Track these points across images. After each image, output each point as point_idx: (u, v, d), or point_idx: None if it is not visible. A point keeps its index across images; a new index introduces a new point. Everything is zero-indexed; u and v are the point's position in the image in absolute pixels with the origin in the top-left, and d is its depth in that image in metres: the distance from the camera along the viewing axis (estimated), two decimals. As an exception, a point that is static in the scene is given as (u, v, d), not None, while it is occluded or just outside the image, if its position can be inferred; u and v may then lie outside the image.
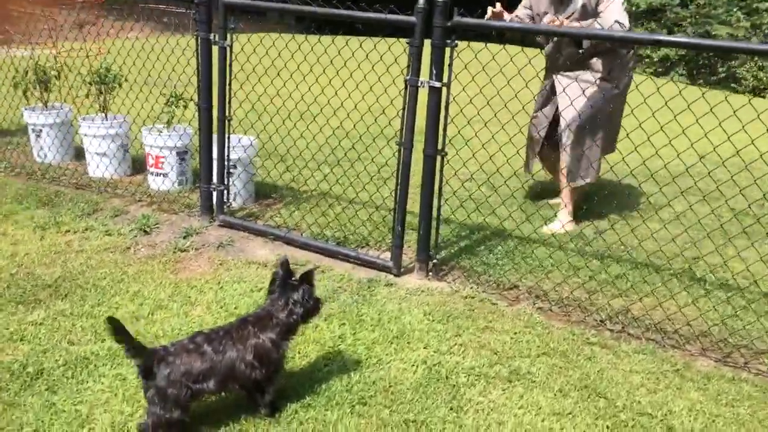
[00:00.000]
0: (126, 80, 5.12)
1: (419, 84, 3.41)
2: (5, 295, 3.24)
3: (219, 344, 2.32)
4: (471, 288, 3.62)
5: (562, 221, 4.46)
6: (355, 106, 4.18)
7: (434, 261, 3.76)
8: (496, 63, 3.47)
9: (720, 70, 22.72)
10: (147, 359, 2.22)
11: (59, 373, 2.66)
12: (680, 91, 3.12)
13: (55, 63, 5.43)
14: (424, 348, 3.01)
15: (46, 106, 5.45)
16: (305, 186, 5.10)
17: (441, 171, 3.59)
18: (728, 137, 3.10)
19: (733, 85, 20.93)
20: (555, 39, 4.24)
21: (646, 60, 23.42)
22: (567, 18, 4.08)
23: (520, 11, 4.41)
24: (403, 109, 3.51)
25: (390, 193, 3.98)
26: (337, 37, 3.95)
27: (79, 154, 5.45)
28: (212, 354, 2.30)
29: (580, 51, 4.13)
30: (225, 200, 4.36)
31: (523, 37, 4.14)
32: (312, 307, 2.50)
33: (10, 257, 3.66)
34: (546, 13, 4.22)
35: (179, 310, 3.21)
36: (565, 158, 4.31)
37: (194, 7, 3.96)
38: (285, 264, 2.49)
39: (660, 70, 22.71)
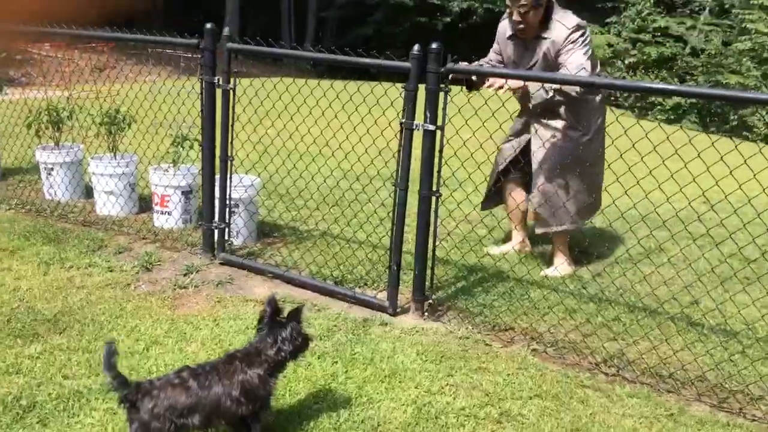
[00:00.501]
0: (135, 121, 5.26)
1: (414, 127, 3.49)
2: (5, 329, 3.29)
3: (205, 379, 2.35)
4: (466, 329, 3.63)
5: (558, 269, 4.42)
6: (353, 148, 4.26)
7: (430, 301, 3.78)
8: (488, 107, 3.56)
9: (732, 118, 22.86)
10: (130, 392, 2.25)
11: (51, 407, 2.69)
12: (668, 136, 3.17)
13: (68, 104, 5.59)
14: (416, 387, 3.01)
15: (58, 145, 5.60)
16: (305, 225, 5.16)
17: (436, 211, 3.64)
18: (716, 182, 3.14)
19: (745, 133, 20.99)
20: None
21: (658, 107, 23.63)
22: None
23: (491, 56, 4.46)
24: (399, 150, 3.59)
25: (387, 232, 4.03)
26: (335, 82, 4.07)
27: (89, 192, 5.56)
28: (197, 389, 2.31)
29: (530, 105, 4.15)
30: (226, 238, 4.42)
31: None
32: (300, 345, 2.53)
33: (12, 291, 3.72)
34: (514, 62, 4.28)
35: (174, 346, 3.24)
36: (535, 204, 4.28)
37: (200, 52, 4.10)
38: (273, 302, 2.53)
39: (672, 117, 22.89)
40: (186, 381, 2.32)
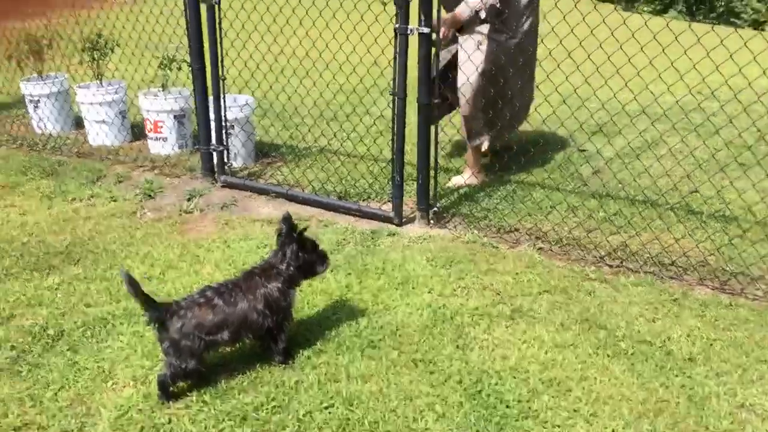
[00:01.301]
0: (118, 45, 5.12)
1: (408, 32, 3.42)
2: (19, 263, 3.33)
3: (229, 296, 2.42)
4: (472, 233, 3.70)
5: (464, 177, 4.38)
6: (347, 59, 4.19)
7: (435, 209, 3.83)
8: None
9: (718, 5, 22.35)
10: (159, 313, 2.32)
11: (79, 334, 2.76)
12: (662, 25, 3.14)
13: (47, 32, 5.41)
14: (429, 292, 3.11)
15: (42, 76, 5.46)
16: (303, 142, 5.14)
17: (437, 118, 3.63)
18: (716, 67, 3.14)
19: (732, 20, 20.59)
20: None
21: (644, -1, 23.05)
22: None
23: None
24: (394, 58, 3.53)
25: (387, 144, 4.02)
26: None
27: (79, 122, 5.48)
28: (224, 306, 2.40)
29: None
30: (225, 161, 4.41)
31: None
32: (314, 260, 2.60)
33: (20, 227, 3.74)
34: None
35: (189, 269, 3.30)
36: (462, 117, 4.20)
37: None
38: (288, 219, 2.56)
39: (659, 8, 22.35)
40: (211, 299, 2.39)
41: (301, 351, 2.64)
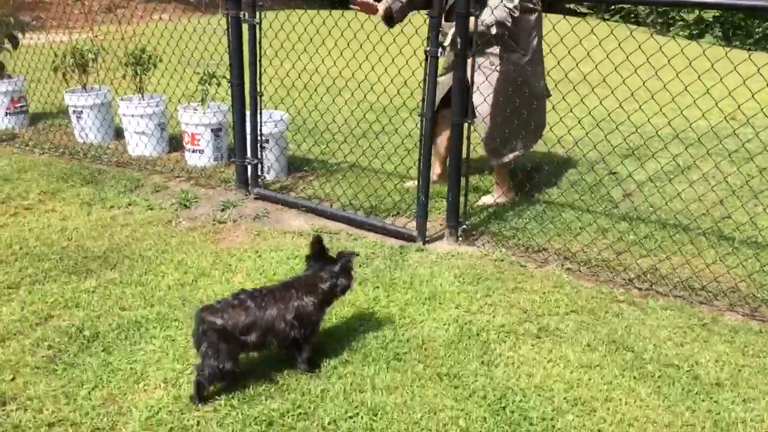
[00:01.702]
0: (161, 60, 5.28)
1: (439, 54, 3.48)
2: (59, 266, 3.44)
3: (261, 301, 2.50)
4: (500, 251, 3.72)
5: (494, 196, 4.41)
6: (378, 79, 4.26)
7: (464, 227, 3.86)
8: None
9: (755, 31, 22.12)
10: (198, 313, 2.41)
11: (113, 336, 2.84)
12: (688, 52, 3.15)
13: (92, 46, 5.60)
14: (456, 308, 3.13)
15: (86, 88, 5.65)
16: (334, 158, 5.22)
17: (468, 138, 3.67)
18: (752, 95, 3.13)
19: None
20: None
21: (680, 23, 22.91)
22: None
23: None
24: (424, 80, 3.59)
25: (414, 163, 4.07)
26: (359, 12, 4.03)
27: (119, 133, 5.64)
28: (255, 309, 2.47)
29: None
30: (259, 174, 4.50)
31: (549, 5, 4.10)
32: (348, 283, 2.69)
33: (60, 231, 3.86)
34: None
35: (221, 277, 3.37)
36: (482, 138, 4.20)
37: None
38: (319, 240, 2.68)
39: (695, 32, 22.20)
40: (244, 302, 2.48)
41: (327, 361, 2.68)
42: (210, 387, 2.45)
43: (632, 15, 22.22)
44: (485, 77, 3.94)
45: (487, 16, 3.79)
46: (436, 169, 4.66)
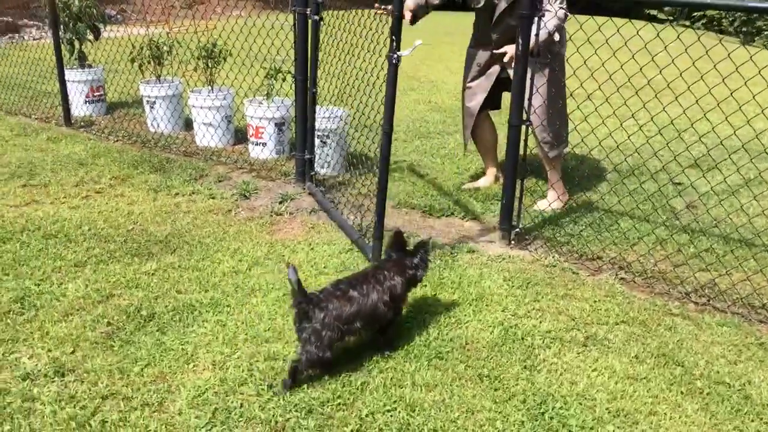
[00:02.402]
0: (230, 55, 5.44)
1: (393, 60, 3.29)
2: (123, 248, 3.61)
3: (362, 288, 2.64)
4: (553, 257, 3.68)
5: (549, 201, 4.36)
6: (444, 80, 4.27)
7: (517, 230, 3.83)
8: (584, 32, 3.48)
9: None
10: (306, 303, 2.52)
11: (168, 317, 2.97)
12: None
13: (168, 39, 5.83)
14: (502, 311, 3.12)
15: (159, 80, 5.88)
16: (393, 156, 5.25)
17: (525, 141, 3.64)
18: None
19: None
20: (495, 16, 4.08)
21: (766, 33, 21.94)
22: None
23: None
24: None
25: (472, 162, 4.07)
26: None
27: (188, 124, 5.85)
28: (359, 297, 2.61)
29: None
30: (309, 170, 4.58)
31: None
32: (425, 271, 2.90)
33: (127, 215, 4.04)
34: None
35: (274, 267, 3.46)
36: (538, 138, 4.19)
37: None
38: (399, 234, 2.90)
39: (781, 42, 21.26)
40: (347, 292, 2.61)
41: (370, 356, 2.72)
42: (305, 373, 2.54)
43: (714, 23, 21.42)
44: (545, 78, 3.93)
45: (549, 22, 3.76)
46: (491, 170, 4.66)
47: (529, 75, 3.81)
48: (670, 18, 20.54)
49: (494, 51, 4.07)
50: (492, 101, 4.46)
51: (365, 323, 2.63)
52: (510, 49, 3.89)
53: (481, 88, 4.33)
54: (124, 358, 2.67)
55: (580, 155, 4.75)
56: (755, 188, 4.50)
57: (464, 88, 4.39)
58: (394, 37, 3.17)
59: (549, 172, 4.37)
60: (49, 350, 2.69)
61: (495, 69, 4.31)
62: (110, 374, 2.56)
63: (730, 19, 20.72)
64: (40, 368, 2.57)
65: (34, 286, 3.18)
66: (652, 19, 19.64)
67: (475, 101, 4.41)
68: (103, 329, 2.86)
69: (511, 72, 3.80)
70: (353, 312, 2.58)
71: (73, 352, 2.69)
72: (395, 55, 3.16)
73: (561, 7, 3.87)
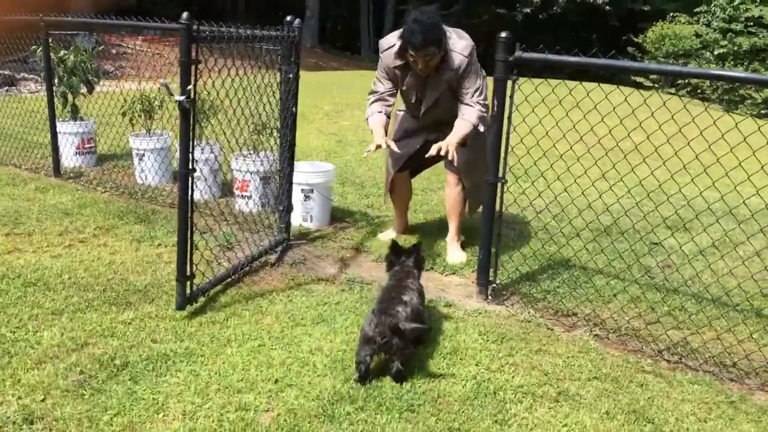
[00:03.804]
0: (219, 111, 5.56)
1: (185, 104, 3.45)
2: (101, 297, 3.62)
3: (404, 292, 3.12)
4: (528, 313, 3.72)
5: (462, 254, 4.51)
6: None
7: (494, 285, 3.88)
8: (555, 95, 3.62)
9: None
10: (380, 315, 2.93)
11: (141, 366, 2.97)
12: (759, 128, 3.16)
13: (159, 94, 5.97)
14: (476, 365, 3.14)
15: (149, 133, 6.00)
16: (377, 211, 5.35)
17: (501, 198, 3.73)
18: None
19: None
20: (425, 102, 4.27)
21: (749, 101, 22.53)
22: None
23: (383, 86, 4.28)
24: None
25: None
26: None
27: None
28: (409, 298, 3.09)
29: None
30: (299, 222, 4.65)
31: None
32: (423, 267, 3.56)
33: (108, 265, 4.07)
34: (417, 94, 4.25)
35: (251, 317, 3.48)
36: (470, 197, 4.42)
37: (278, 43, 4.32)
38: (395, 243, 3.53)
39: (763, 111, 21.78)
40: (398, 297, 3.08)
41: (342, 408, 2.72)
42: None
43: (698, 91, 22.00)
44: (480, 139, 4.17)
45: (472, 117, 4.08)
46: (400, 223, 4.86)
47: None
48: (656, 85, 21.13)
49: (428, 155, 4.15)
50: (414, 163, 4.61)
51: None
52: (437, 145, 3.98)
53: (404, 151, 4.42)
54: (94, 406, 2.66)
55: (559, 214, 4.83)
56: (731, 251, 4.59)
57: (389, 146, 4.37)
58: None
59: (456, 225, 4.50)
60: (20, 397, 2.68)
61: (420, 138, 4.47)
62: (79, 423, 2.55)
63: (713, 87, 21.29)
64: (9, 415, 2.56)
65: (9, 333, 3.18)
66: (638, 86, 20.20)
67: (396, 161, 4.55)
68: (75, 377, 2.85)
69: (434, 149, 3.96)
70: (414, 312, 3.03)
71: (43, 400, 2.68)
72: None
73: (479, 102, 4.12)
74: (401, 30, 3.99)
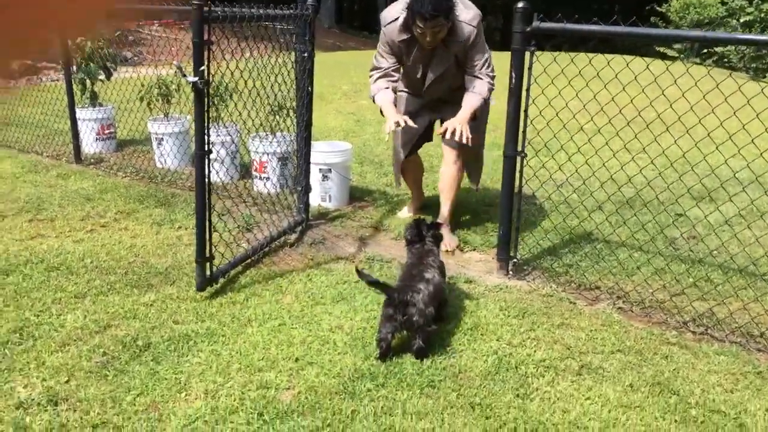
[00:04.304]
0: (236, 92, 5.55)
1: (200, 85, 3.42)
2: (123, 280, 3.65)
3: (426, 270, 3.09)
4: (550, 287, 3.67)
5: (454, 239, 4.34)
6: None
7: (515, 260, 3.84)
8: (575, 65, 3.54)
9: None
10: (402, 294, 2.92)
11: (164, 347, 2.99)
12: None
13: (176, 78, 5.97)
14: (497, 340, 3.11)
15: (167, 117, 6.01)
16: (397, 190, 5.31)
17: (521, 172, 3.68)
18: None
19: None
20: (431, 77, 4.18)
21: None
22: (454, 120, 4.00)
23: (387, 61, 4.17)
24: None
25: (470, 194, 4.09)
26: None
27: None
28: (431, 275, 3.07)
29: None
30: (302, 203, 4.64)
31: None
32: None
33: (129, 248, 4.10)
34: (424, 66, 4.14)
35: (271, 297, 3.49)
36: (458, 173, 4.29)
37: (292, 21, 4.28)
38: (418, 220, 3.47)
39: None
40: (421, 275, 3.06)
41: (362, 383, 2.72)
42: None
43: (725, 60, 21.52)
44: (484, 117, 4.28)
45: (483, 89, 4.08)
46: (417, 200, 4.84)
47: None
48: (681, 55, 20.70)
49: (443, 139, 4.16)
50: (421, 143, 4.58)
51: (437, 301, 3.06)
52: (450, 125, 3.94)
53: (410, 134, 4.38)
54: (117, 387, 2.69)
55: (581, 187, 4.75)
56: (750, 217, 4.49)
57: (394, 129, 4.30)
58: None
59: (449, 207, 4.37)
60: (44, 379, 2.72)
61: (426, 118, 4.41)
62: (102, 403, 2.58)
63: (739, 55, 20.80)
64: (34, 397, 2.60)
65: (33, 317, 3.22)
66: (664, 57, 19.79)
67: (405, 146, 4.49)
68: (99, 359, 2.88)
69: (448, 132, 3.94)
70: (435, 289, 3.02)
71: (67, 382, 2.72)
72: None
73: (489, 75, 4.08)
74: (405, 2, 3.90)
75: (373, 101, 4.25)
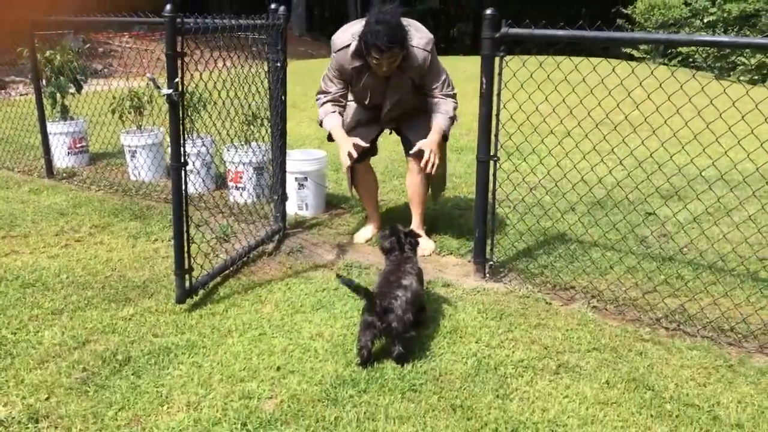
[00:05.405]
0: (209, 103, 5.55)
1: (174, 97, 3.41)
2: (100, 295, 3.63)
3: (404, 276, 3.13)
4: (526, 288, 3.74)
5: (430, 243, 4.40)
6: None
7: (491, 263, 3.90)
8: (543, 70, 3.61)
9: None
10: (382, 300, 2.95)
11: (144, 361, 2.98)
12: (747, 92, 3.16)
13: (147, 89, 5.94)
14: (476, 342, 3.16)
15: (140, 129, 5.98)
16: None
17: (494, 176, 3.74)
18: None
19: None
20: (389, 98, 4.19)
21: (740, 67, 22.49)
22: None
23: (335, 86, 4.15)
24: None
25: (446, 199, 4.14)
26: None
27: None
28: (408, 282, 3.11)
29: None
30: (294, 211, 4.66)
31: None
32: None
33: (105, 262, 4.08)
34: (379, 93, 4.14)
35: (251, 307, 3.50)
36: (424, 181, 4.33)
37: (264, 31, 4.30)
38: (395, 227, 3.48)
39: (756, 77, 21.73)
40: (398, 282, 3.09)
41: (344, 390, 2.75)
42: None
43: (690, 60, 21.94)
44: (422, 135, 4.14)
45: (449, 109, 4.11)
46: (375, 216, 4.65)
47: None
48: (647, 56, 21.08)
49: (409, 153, 4.22)
50: (372, 151, 4.52)
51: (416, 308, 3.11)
52: (423, 145, 3.98)
53: (360, 142, 4.24)
54: (98, 402, 2.68)
55: (553, 189, 4.83)
56: (726, 218, 4.61)
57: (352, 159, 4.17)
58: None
59: (420, 214, 4.43)
60: (24, 397, 2.70)
61: (377, 127, 4.40)
62: (84, 419, 2.57)
63: (704, 55, 21.21)
64: (14, 415, 2.58)
65: (10, 334, 3.19)
66: (631, 57, 20.12)
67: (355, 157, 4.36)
68: (78, 375, 2.87)
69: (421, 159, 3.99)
70: (414, 296, 3.06)
71: (47, 399, 2.70)
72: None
73: (450, 94, 4.13)
74: (358, 29, 3.86)
75: (320, 125, 4.24)
